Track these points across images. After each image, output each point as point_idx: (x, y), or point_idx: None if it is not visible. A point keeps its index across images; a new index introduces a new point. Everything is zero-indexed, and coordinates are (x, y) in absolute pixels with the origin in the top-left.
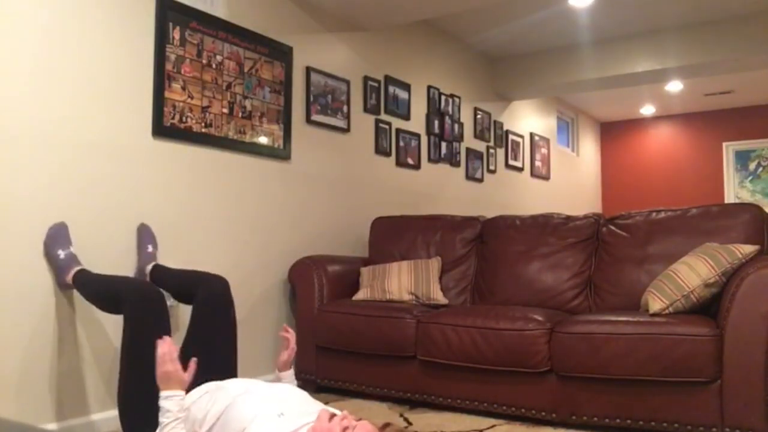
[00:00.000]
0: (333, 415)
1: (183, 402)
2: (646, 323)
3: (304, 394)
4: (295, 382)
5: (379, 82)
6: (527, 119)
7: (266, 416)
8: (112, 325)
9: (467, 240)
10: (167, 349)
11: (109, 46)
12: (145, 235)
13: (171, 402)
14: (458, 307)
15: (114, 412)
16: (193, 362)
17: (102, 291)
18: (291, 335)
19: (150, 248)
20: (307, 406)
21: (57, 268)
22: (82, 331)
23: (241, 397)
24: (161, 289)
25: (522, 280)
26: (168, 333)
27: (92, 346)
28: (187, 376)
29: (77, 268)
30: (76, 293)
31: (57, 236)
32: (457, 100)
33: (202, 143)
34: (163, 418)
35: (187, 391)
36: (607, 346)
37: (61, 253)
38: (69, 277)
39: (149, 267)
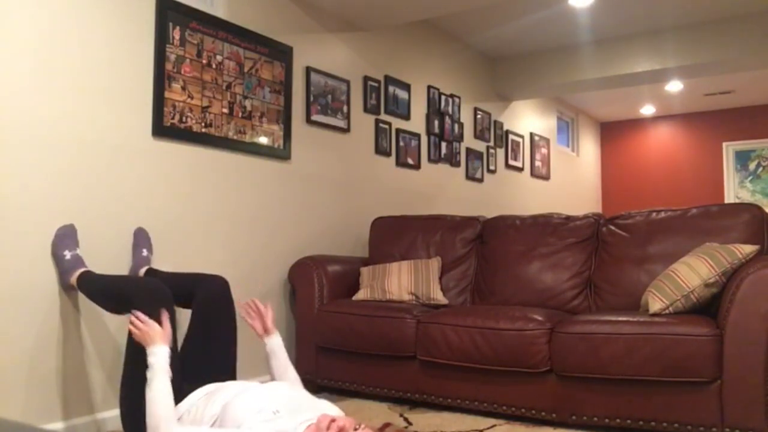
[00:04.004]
0: (333, 420)
1: (166, 354)
2: (646, 323)
3: (303, 392)
4: (283, 348)
5: (379, 82)
6: (527, 119)
7: (262, 413)
8: (116, 324)
9: (467, 240)
10: (138, 315)
11: (109, 46)
12: (140, 239)
13: (154, 357)
14: (458, 307)
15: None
16: (165, 316)
17: (109, 291)
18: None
19: (144, 252)
20: (305, 403)
21: (62, 269)
22: (86, 331)
23: (238, 397)
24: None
25: (522, 280)
26: (173, 332)
27: (97, 345)
28: (165, 328)
29: (82, 269)
30: (80, 294)
31: (64, 237)
32: (457, 100)
33: (202, 143)
34: (148, 374)
35: (188, 392)
36: (606, 346)
37: (67, 254)
38: (73, 279)
39: (142, 270)
